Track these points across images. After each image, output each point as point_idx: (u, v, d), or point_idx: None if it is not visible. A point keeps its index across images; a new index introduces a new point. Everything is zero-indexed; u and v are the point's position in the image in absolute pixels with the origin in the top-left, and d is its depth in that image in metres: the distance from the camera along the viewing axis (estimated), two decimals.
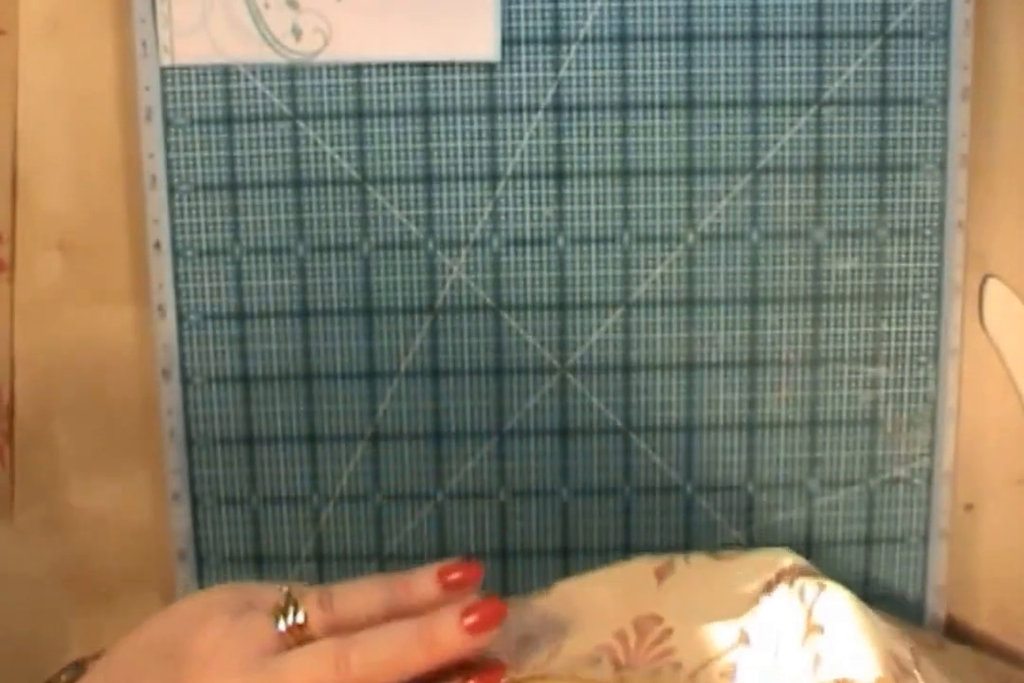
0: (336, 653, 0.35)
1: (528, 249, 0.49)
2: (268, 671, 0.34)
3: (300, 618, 0.36)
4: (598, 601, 0.43)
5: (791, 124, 0.48)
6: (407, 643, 0.35)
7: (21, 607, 0.53)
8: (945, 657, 0.48)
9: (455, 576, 0.38)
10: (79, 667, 0.39)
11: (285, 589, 0.37)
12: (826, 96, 0.48)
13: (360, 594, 0.37)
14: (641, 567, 0.45)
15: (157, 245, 0.49)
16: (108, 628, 0.53)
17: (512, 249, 0.49)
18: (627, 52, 0.48)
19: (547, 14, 0.48)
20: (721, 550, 0.46)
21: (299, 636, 0.36)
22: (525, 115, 0.48)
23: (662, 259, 0.49)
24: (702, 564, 0.45)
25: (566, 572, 0.50)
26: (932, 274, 0.49)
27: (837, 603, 0.40)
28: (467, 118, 0.48)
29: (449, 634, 0.35)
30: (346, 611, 0.36)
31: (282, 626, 0.36)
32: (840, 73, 0.48)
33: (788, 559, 0.44)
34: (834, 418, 0.50)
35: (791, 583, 0.42)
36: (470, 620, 0.35)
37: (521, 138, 0.49)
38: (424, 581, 0.38)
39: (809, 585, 0.41)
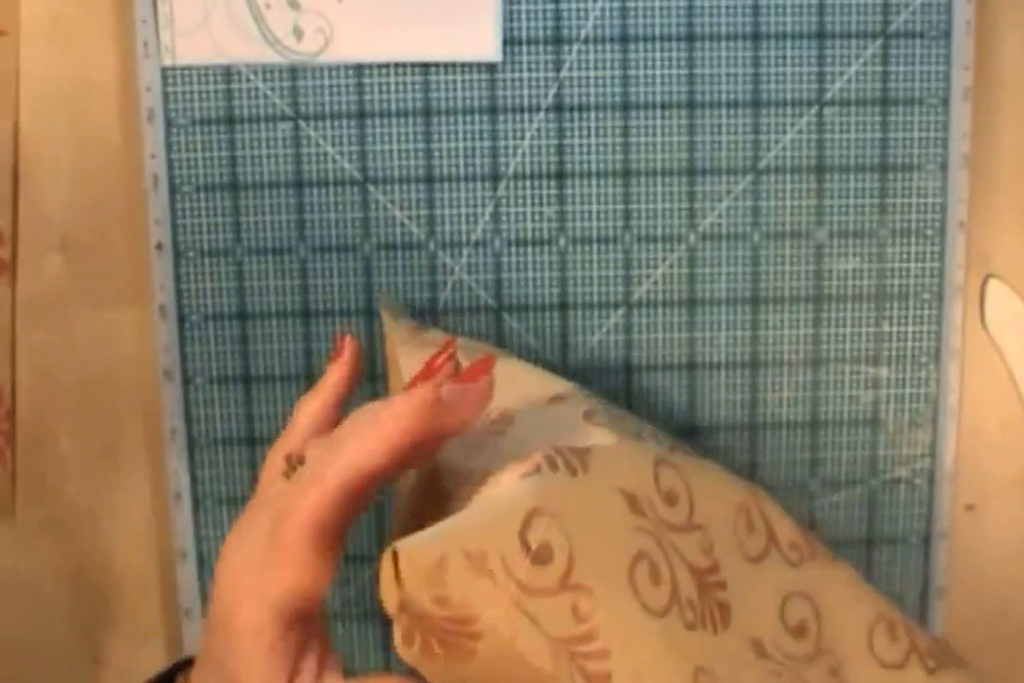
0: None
1: (529, 249, 0.49)
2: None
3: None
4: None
5: (792, 124, 0.48)
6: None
7: (21, 607, 0.53)
8: None
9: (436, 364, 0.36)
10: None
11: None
12: (827, 96, 0.48)
13: None
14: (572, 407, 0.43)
15: (159, 246, 0.49)
16: (108, 629, 0.53)
17: (513, 249, 0.49)
18: (628, 52, 0.48)
19: (548, 14, 0.48)
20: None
21: None
22: (526, 115, 0.48)
23: (663, 259, 0.49)
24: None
25: None
26: (933, 274, 0.49)
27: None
28: (468, 118, 0.48)
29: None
30: None
31: None
32: (841, 73, 0.48)
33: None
34: (835, 418, 0.50)
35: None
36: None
37: (522, 138, 0.49)
38: None
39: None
